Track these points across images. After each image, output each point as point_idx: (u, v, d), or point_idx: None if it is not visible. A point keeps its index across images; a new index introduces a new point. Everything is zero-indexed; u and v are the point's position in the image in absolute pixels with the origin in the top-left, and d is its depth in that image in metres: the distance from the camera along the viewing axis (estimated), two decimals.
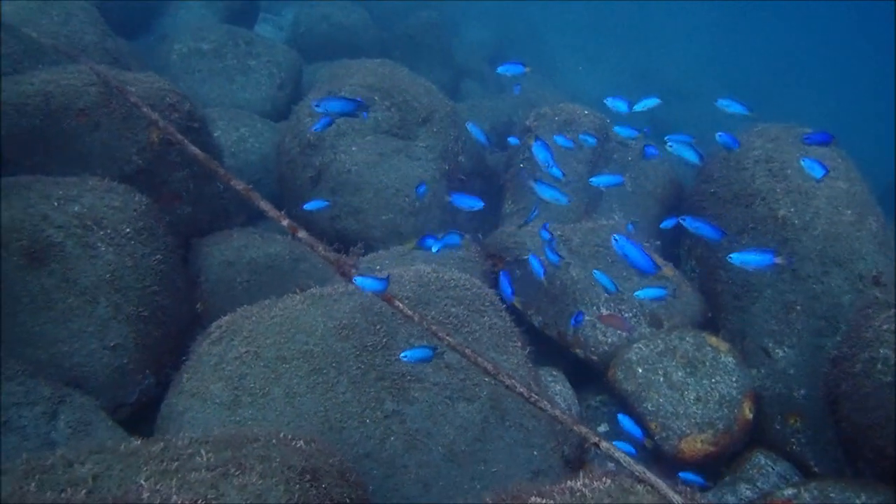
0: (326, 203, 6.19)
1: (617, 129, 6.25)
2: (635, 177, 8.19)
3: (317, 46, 12.36)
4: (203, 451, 3.06)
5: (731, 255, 4.42)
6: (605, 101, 6.24)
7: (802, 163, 5.65)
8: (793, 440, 5.92)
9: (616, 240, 4.68)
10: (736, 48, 24.82)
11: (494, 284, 6.59)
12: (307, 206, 6.00)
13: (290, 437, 3.44)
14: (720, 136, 5.31)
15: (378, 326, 4.78)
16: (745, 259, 4.45)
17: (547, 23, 21.12)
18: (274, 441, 3.31)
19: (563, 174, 6.05)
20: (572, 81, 18.70)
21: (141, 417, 5.09)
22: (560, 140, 6.48)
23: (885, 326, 4.48)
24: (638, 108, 6.18)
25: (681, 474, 4.97)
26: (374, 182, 7.16)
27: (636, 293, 5.58)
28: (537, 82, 14.92)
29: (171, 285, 5.63)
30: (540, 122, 8.13)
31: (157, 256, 5.48)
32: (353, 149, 7.28)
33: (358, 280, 4.22)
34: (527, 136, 8.04)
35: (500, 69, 6.16)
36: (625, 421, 5.33)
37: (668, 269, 6.61)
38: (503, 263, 6.68)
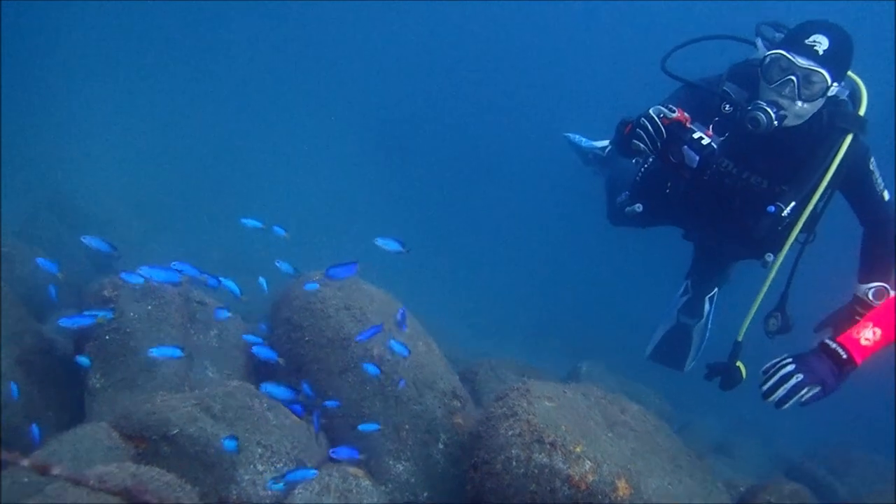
0: None
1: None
2: (219, 332, 8.71)
3: None
4: None
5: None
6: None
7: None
8: None
9: None
10: None
11: None
12: None
13: None
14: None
15: None
16: None
17: None
18: None
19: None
20: None
21: None
22: None
23: (509, 433, 6.16)
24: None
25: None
26: None
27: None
28: None
29: None
30: (121, 292, 8.02)
31: None
32: None
33: None
34: (109, 306, 7.87)
35: None
36: None
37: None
38: (147, 444, 6.51)
